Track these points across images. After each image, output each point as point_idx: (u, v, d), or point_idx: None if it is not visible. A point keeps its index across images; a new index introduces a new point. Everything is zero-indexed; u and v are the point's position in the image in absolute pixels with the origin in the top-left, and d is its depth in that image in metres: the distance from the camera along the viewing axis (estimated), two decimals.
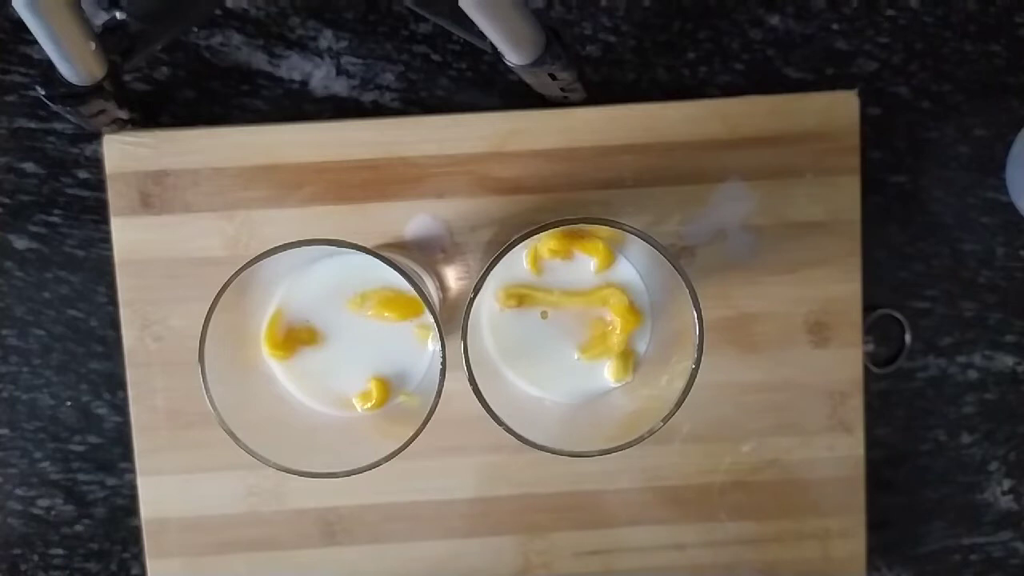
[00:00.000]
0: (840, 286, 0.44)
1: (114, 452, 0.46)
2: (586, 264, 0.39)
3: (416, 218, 0.43)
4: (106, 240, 0.44)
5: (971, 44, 0.45)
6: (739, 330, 0.44)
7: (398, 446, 0.34)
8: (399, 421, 0.37)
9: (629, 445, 0.35)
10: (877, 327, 0.46)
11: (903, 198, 0.46)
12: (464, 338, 0.34)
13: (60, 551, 0.46)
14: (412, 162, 0.43)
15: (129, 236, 0.43)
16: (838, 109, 0.44)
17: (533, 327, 0.39)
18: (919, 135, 0.45)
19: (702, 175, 0.44)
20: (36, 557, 0.46)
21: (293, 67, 0.44)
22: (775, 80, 0.45)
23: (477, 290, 0.34)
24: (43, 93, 0.37)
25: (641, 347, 0.39)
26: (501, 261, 0.34)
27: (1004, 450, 0.47)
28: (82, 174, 0.44)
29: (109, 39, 0.37)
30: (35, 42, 0.34)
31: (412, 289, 0.34)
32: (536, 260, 0.39)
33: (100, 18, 0.39)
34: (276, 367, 0.39)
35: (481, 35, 0.36)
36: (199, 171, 0.43)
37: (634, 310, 0.39)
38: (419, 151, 0.43)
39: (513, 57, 0.37)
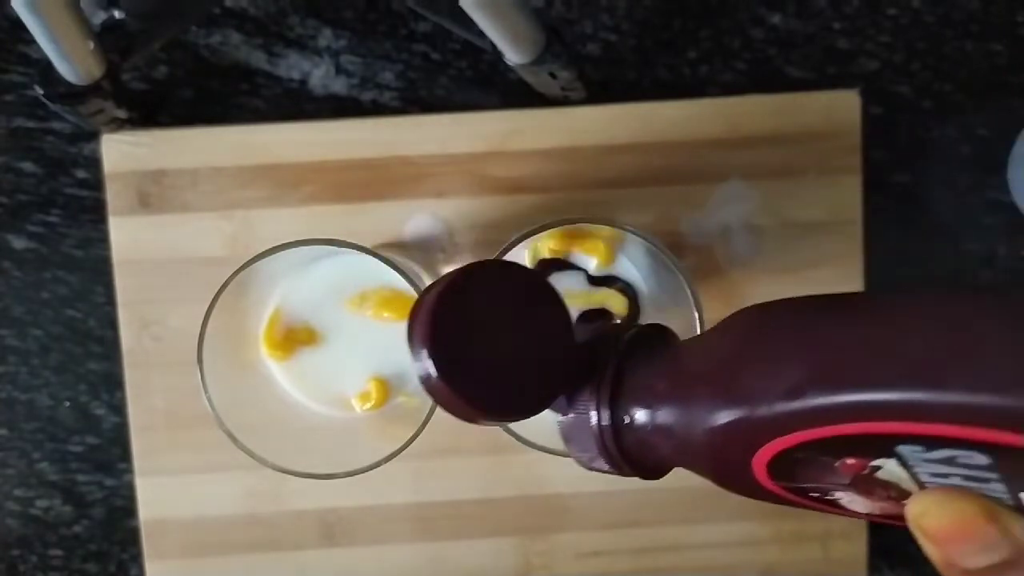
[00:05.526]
0: (841, 286, 0.44)
1: (112, 453, 0.45)
2: (586, 264, 0.39)
3: (416, 218, 0.43)
4: (104, 240, 0.43)
5: (973, 43, 0.45)
6: None
7: (398, 447, 0.34)
8: (399, 422, 0.37)
9: None
10: None
11: (904, 198, 0.46)
12: None
13: (59, 552, 0.46)
14: (411, 161, 0.43)
15: (127, 236, 0.43)
16: (839, 108, 0.43)
17: None
18: (920, 135, 0.45)
19: (703, 174, 0.43)
20: (35, 558, 0.46)
21: (292, 66, 0.44)
22: (776, 79, 0.45)
23: None
24: (41, 92, 0.37)
25: None
26: None
27: None
28: (80, 174, 0.44)
29: (108, 38, 0.37)
30: (33, 41, 0.34)
31: (412, 289, 0.34)
32: (536, 260, 0.39)
33: (99, 17, 0.38)
34: (275, 367, 0.39)
35: (481, 34, 0.36)
36: (198, 170, 0.43)
37: (634, 310, 0.39)
38: (419, 150, 0.43)
39: (513, 56, 0.37)
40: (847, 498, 0.22)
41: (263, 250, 0.33)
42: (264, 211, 0.43)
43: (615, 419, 0.25)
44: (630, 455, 0.25)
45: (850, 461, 0.20)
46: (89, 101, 0.38)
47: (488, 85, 0.45)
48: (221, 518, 0.44)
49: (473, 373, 0.23)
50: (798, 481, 0.22)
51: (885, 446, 0.19)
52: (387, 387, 0.39)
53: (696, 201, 0.44)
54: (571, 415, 0.25)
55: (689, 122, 0.43)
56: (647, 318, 0.39)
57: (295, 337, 0.39)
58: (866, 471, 0.21)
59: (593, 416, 0.25)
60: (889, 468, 0.20)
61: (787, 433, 0.20)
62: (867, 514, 0.23)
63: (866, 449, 0.20)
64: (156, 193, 0.43)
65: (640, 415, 0.24)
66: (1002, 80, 0.45)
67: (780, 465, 0.22)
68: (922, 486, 0.20)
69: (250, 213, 0.43)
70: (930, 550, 0.21)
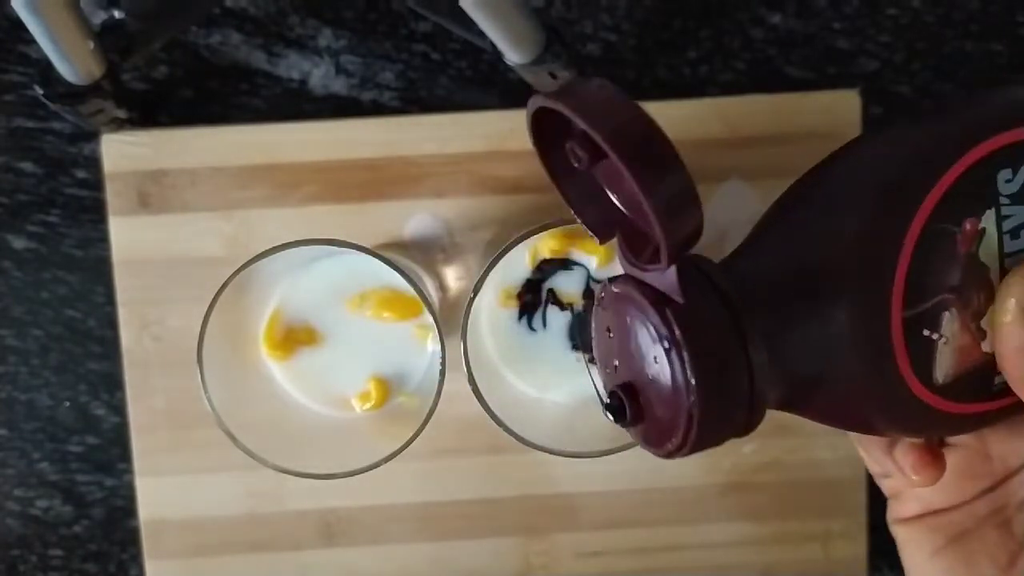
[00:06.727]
0: None
1: (112, 453, 0.45)
2: (587, 264, 0.39)
3: (415, 218, 0.43)
4: (104, 240, 0.43)
5: (972, 43, 0.45)
6: None
7: (398, 447, 0.34)
8: (398, 422, 0.37)
9: (630, 446, 0.34)
10: None
11: None
12: (464, 339, 0.34)
13: (58, 552, 0.46)
14: (411, 161, 0.43)
15: (127, 236, 0.43)
16: (840, 108, 0.43)
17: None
18: None
19: (703, 174, 0.43)
20: (35, 558, 0.46)
21: (292, 66, 0.44)
22: (776, 79, 0.45)
23: (477, 290, 0.34)
24: (41, 92, 0.37)
25: None
26: (501, 261, 0.34)
27: None
28: (80, 174, 0.44)
29: (108, 38, 0.37)
30: (33, 41, 0.34)
31: (412, 289, 0.34)
32: (536, 260, 0.39)
33: (98, 17, 0.38)
34: (275, 367, 0.39)
35: (481, 34, 0.36)
36: (197, 170, 0.43)
37: None
38: (418, 150, 0.43)
39: (513, 56, 0.37)
40: (950, 325, 0.24)
41: (263, 250, 0.33)
42: (264, 211, 0.43)
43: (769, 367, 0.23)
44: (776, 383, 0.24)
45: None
46: (89, 101, 0.38)
47: (488, 85, 0.45)
48: (221, 518, 0.44)
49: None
50: (927, 295, 0.23)
51: None
52: (387, 387, 0.39)
53: None
54: (699, 371, 0.22)
55: (689, 122, 0.43)
56: None
57: (295, 337, 0.39)
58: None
59: (743, 372, 0.23)
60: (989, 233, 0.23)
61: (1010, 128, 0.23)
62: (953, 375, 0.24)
63: None
64: (156, 193, 0.43)
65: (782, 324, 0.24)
66: (1002, 80, 0.45)
67: (924, 245, 0.23)
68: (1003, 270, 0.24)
69: (250, 213, 0.43)
70: (1011, 337, 0.22)
